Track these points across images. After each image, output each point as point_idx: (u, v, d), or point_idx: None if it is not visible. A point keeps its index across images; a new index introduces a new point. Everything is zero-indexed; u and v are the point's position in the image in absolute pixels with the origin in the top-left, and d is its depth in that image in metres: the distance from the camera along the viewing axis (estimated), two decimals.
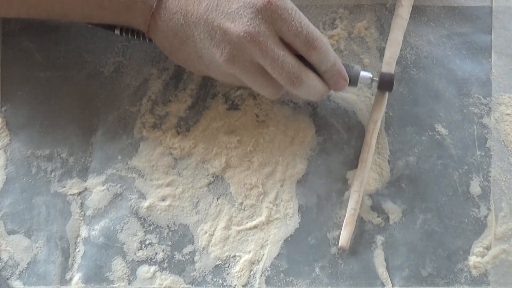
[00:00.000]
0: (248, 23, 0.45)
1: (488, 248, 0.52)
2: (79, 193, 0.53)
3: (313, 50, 0.46)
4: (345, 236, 0.51)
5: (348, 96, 0.54)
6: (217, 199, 0.53)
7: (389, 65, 0.53)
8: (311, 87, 0.48)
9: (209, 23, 0.45)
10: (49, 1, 0.48)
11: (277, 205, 0.53)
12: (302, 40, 0.46)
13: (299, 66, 0.47)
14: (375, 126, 0.52)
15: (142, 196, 0.53)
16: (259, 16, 0.45)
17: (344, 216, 0.52)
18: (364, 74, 0.50)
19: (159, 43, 0.49)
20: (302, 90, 0.48)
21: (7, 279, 0.52)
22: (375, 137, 0.52)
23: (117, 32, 0.51)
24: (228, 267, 0.52)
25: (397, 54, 0.53)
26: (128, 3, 0.47)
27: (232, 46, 0.45)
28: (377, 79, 0.51)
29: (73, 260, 0.52)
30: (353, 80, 0.50)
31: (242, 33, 0.45)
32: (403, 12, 0.54)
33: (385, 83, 0.51)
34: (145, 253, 0.52)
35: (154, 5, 0.46)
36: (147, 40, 0.50)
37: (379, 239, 0.52)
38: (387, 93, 0.52)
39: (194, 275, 0.52)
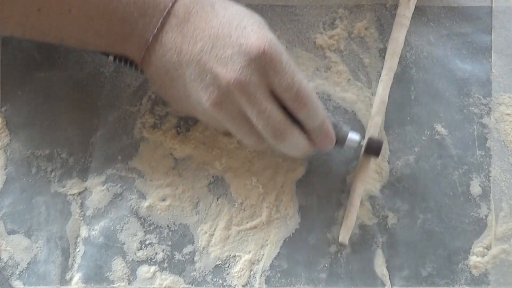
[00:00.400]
0: (240, 71, 0.44)
1: (488, 248, 0.52)
2: (79, 193, 0.53)
3: (302, 107, 0.45)
4: (344, 232, 0.51)
5: (348, 96, 0.54)
6: (217, 199, 0.53)
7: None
8: (294, 144, 0.47)
9: (201, 65, 0.44)
10: (45, 25, 0.47)
11: (277, 205, 0.53)
12: (292, 96, 0.45)
13: (285, 122, 0.45)
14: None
15: (142, 196, 0.53)
16: (252, 66, 0.44)
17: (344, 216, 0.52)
18: (352, 136, 0.49)
19: (151, 77, 0.48)
20: (285, 146, 0.47)
21: (8, 278, 0.52)
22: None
23: (111, 58, 0.50)
24: (228, 267, 0.52)
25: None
26: (125, 34, 0.46)
27: (221, 92, 0.44)
28: (363, 144, 0.50)
29: (73, 260, 0.52)
30: (340, 141, 0.49)
31: (232, 80, 0.44)
32: (406, 11, 0.54)
33: (372, 149, 0.50)
34: (145, 253, 0.52)
35: (150, 39, 0.45)
36: (139, 71, 0.49)
37: (379, 239, 0.52)
38: (372, 159, 0.51)
39: (194, 275, 0.52)
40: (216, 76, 0.44)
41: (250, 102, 0.44)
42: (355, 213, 0.51)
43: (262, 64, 0.44)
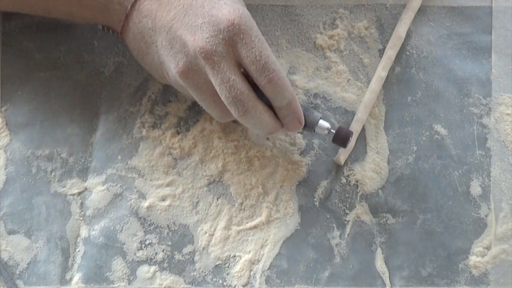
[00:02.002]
0: (207, 40, 0.44)
1: (488, 248, 0.52)
2: (79, 193, 0.53)
3: (268, 82, 0.45)
4: (342, 153, 0.52)
5: (348, 96, 0.54)
6: (217, 199, 0.53)
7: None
8: (258, 120, 0.46)
9: (172, 31, 0.45)
10: None
11: (277, 205, 0.53)
12: (258, 69, 0.45)
13: (248, 94, 0.46)
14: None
15: (142, 196, 0.53)
16: (220, 36, 0.44)
17: (344, 217, 0.52)
18: (322, 122, 0.49)
19: (129, 45, 0.49)
20: (249, 121, 0.47)
21: (12, 276, 0.52)
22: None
23: (99, 27, 0.52)
24: (228, 267, 0.52)
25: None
26: (106, 3, 0.48)
27: (188, 59, 0.45)
28: (333, 131, 0.49)
29: (73, 260, 0.52)
30: (310, 125, 0.49)
31: (198, 48, 0.44)
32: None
33: (339, 138, 0.50)
34: (145, 253, 0.52)
35: (129, 6, 0.47)
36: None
37: (379, 239, 0.52)
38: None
39: (194, 275, 0.52)
40: (184, 44, 0.45)
41: (214, 71, 0.45)
42: (355, 138, 0.52)
43: (230, 35, 0.44)
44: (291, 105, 0.47)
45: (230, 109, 0.46)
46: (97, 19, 0.50)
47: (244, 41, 0.45)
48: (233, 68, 0.45)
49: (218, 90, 0.45)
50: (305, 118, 0.48)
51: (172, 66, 0.46)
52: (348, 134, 0.49)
